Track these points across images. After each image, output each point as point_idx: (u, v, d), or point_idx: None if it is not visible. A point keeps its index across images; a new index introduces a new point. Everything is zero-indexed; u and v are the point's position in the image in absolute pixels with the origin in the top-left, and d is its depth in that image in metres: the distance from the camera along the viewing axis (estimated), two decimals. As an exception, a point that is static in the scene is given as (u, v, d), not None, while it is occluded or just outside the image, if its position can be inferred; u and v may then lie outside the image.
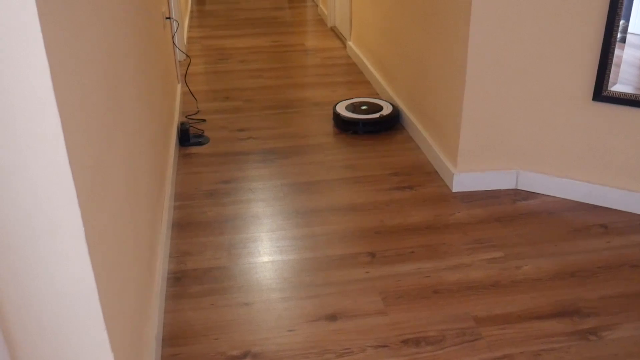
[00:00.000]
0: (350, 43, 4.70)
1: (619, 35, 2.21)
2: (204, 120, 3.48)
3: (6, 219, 1.00)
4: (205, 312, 1.96)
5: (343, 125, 3.28)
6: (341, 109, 3.33)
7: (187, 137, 3.14)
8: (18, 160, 0.97)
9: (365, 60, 4.24)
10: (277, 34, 5.40)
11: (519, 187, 2.66)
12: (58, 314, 1.10)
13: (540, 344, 1.80)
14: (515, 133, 2.56)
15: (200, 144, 3.17)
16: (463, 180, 2.64)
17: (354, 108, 3.33)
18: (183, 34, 4.82)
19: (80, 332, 1.13)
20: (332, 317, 1.92)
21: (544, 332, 1.85)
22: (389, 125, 3.26)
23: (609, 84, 2.30)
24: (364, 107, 3.33)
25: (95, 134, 1.22)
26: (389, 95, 3.58)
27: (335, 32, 5.40)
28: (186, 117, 3.51)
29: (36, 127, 0.95)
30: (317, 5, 6.56)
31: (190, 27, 5.76)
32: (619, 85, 2.28)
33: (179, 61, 4.50)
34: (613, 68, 2.27)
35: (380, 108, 3.32)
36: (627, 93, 2.28)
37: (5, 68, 0.91)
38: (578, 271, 2.12)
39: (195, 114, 3.58)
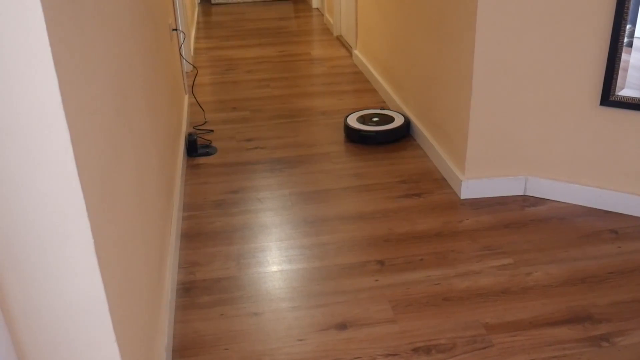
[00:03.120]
0: (356, 52, 4.72)
1: (625, 39, 2.21)
2: (212, 130, 3.50)
3: (16, 231, 1.01)
4: (215, 322, 1.96)
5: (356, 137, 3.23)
6: (352, 121, 3.29)
7: (194, 148, 3.15)
8: (27, 172, 0.97)
9: (371, 69, 4.24)
10: (284, 44, 5.42)
11: (528, 193, 2.65)
12: (68, 326, 1.10)
13: (551, 351, 1.79)
14: (523, 139, 2.55)
15: (208, 154, 3.18)
16: (471, 187, 2.63)
17: (364, 120, 3.31)
18: (190, 45, 4.84)
19: (90, 343, 1.13)
20: (342, 326, 1.92)
21: (555, 339, 1.83)
22: (403, 134, 3.25)
23: (617, 88, 2.29)
24: (375, 119, 3.31)
25: (103, 145, 1.22)
26: (396, 104, 3.58)
27: (341, 41, 5.41)
28: (194, 127, 3.52)
29: (45, 140, 0.96)
30: (322, 15, 6.59)
31: (196, 38, 5.79)
32: (627, 89, 2.28)
33: (186, 72, 4.53)
34: (620, 72, 2.26)
35: (392, 119, 3.31)
36: (634, 97, 2.27)
37: (13, 81, 0.92)
38: (589, 277, 2.11)
39: (203, 124, 3.59)
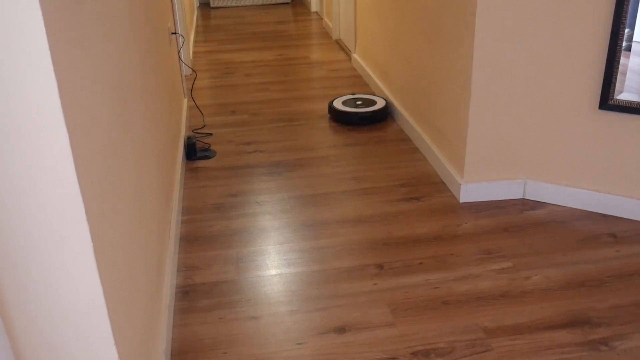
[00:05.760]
0: (355, 55, 4.72)
1: (624, 43, 2.21)
2: (211, 134, 3.50)
3: (15, 235, 1.00)
4: (214, 326, 1.95)
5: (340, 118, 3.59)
6: (341, 106, 3.64)
7: (193, 151, 3.15)
8: (26, 176, 0.97)
9: (370, 72, 4.25)
10: (282, 47, 5.43)
11: (527, 197, 2.65)
12: (67, 330, 1.10)
13: (550, 355, 1.79)
14: (522, 143, 2.56)
15: (207, 157, 3.18)
16: (470, 191, 2.63)
17: (353, 104, 3.66)
18: (189, 49, 4.85)
19: (89, 347, 1.13)
20: (341, 330, 1.92)
21: (554, 343, 1.83)
22: (383, 116, 3.59)
23: (615, 92, 2.29)
24: (358, 103, 3.65)
25: (103, 149, 1.23)
26: (395, 108, 3.58)
27: (340, 45, 5.42)
28: (193, 131, 3.52)
29: (44, 144, 0.96)
30: (321, 18, 6.60)
31: (196, 41, 5.80)
32: (625, 93, 2.28)
33: (185, 76, 4.53)
34: (619, 76, 2.26)
35: (373, 102, 3.67)
36: (633, 101, 2.28)
37: (13, 85, 0.92)
38: (588, 281, 2.11)
39: (202, 128, 3.59)
